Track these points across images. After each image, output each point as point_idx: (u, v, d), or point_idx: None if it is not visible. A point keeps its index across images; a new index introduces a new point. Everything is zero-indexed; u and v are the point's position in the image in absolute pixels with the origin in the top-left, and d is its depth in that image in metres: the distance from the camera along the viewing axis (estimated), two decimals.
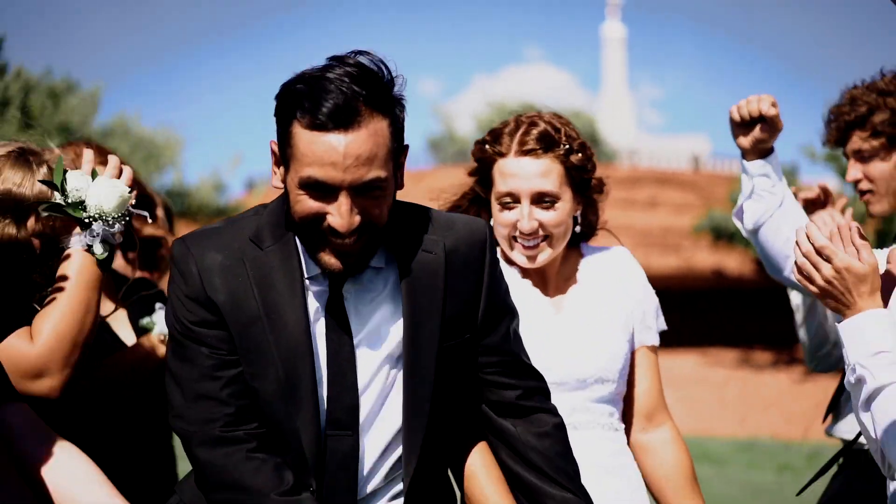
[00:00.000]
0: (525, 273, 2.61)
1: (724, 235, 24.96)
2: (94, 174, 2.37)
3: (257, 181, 32.77)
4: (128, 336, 3.00)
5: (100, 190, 2.34)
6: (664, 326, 2.69)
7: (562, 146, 2.49)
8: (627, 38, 62.94)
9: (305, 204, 1.94)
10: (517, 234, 2.51)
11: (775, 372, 24.79)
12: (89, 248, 2.32)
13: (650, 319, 2.64)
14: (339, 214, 1.91)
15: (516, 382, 2.13)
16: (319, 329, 2.04)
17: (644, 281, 2.67)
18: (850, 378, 2.16)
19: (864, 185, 3.06)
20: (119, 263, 3.13)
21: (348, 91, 1.89)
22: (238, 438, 1.99)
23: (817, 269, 2.18)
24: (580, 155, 2.52)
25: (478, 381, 2.13)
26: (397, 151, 1.99)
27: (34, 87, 16.90)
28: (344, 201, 1.91)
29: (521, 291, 2.55)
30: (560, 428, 2.16)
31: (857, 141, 3.04)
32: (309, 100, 1.90)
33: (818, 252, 2.17)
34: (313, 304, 2.04)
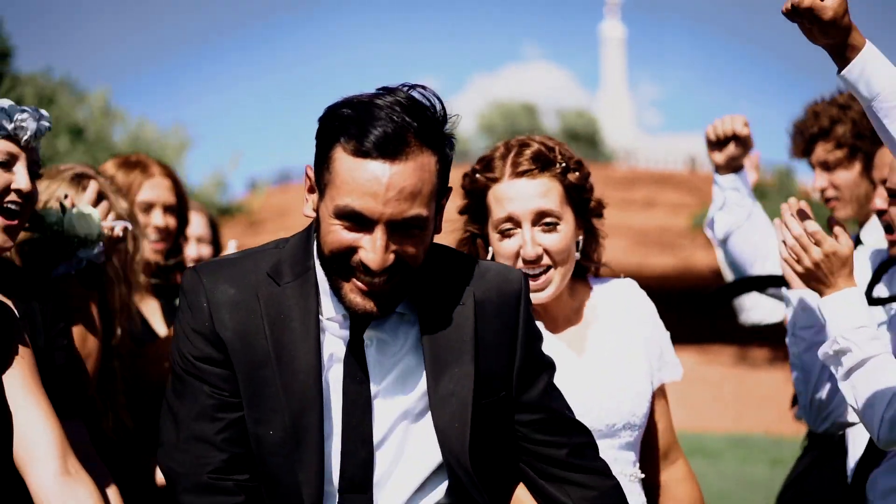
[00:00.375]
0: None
1: None
2: (63, 207, 2.47)
3: (258, 181, 32.87)
4: (160, 327, 3.22)
5: (74, 221, 2.46)
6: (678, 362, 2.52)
7: (558, 164, 2.35)
8: (627, 38, 62.87)
9: (338, 235, 1.81)
10: (521, 264, 2.34)
11: (771, 369, 24.97)
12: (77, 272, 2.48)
13: (668, 354, 2.48)
14: (373, 250, 1.78)
15: (563, 440, 1.97)
16: (335, 376, 1.89)
17: (655, 315, 2.50)
18: (828, 350, 2.36)
19: (830, 193, 3.28)
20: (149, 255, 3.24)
21: (399, 120, 1.78)
22: (227, 489, 1.84)
23: (806, 252, 2.36)
24: (577, 173, 2.38)
25: (521, 445, 1.98)
26: (441, 192, 1.86)
27: (48, 94, 17.05)
28: (380, 236, 1.78)
29: None
30: (617, 490, 2.01)
31: (822, 152, 3.25)
32: (356, 125, 1.79)
33: (810, 236, 2.36)
34: (330, 349, 1.90)
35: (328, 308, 1.90)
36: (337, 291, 1.85)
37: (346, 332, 1.90)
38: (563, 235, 2.34)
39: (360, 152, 1.78)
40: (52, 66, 18.95)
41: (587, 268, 2.50)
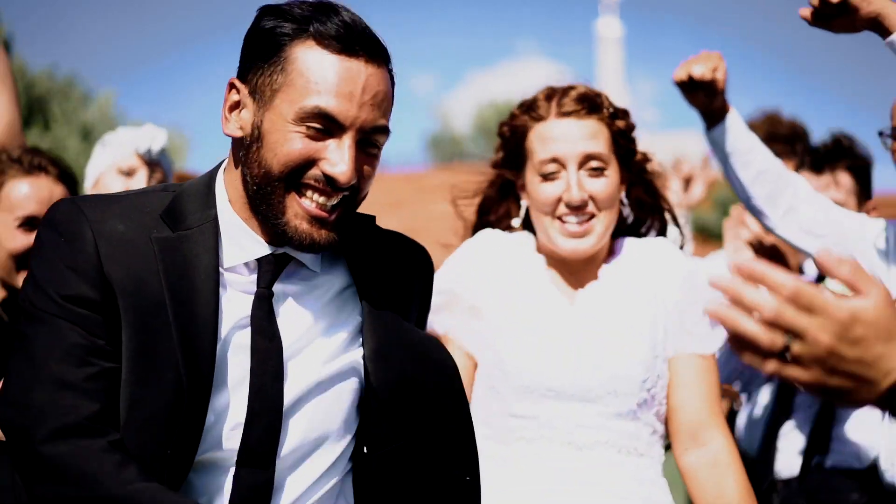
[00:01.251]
0: (550, 263, 2.29)
1: (713, 235, 25.14)
2: None
3: None
4: None
5: None
6: (720, 338, 2.22)
7: (605, 108, 2.23)
8: (625, 36, 63.00)
9: (297, 143, 1.58)
10: (563, 210, 2.19)
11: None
12: None
13: (691, 323, 2.21)
14: (342, 160, 1.58)
15: None
16: (240, 332, 1.64)
17: (688, 279, 2.24)
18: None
19: None
20: None
21: (362, 23, 1.62)
22: (101, 431, 1.54)
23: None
24: (625, 121, 2.25)
25: None
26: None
27: (53, 92, 17.28)
28: (350, 144, 1.58)
29: (537, 284, 2.26)
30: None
31: None
32: (321, 17, 1.59)
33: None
34: (234, 302, 1.65)
35: (231, 256, 1.66)
36: (275, 219, 1.61)
37: (253, 284, 1.66)
38: (610, 182, 2.21)
39: (336, 47, 1.58)
40: (57, 63, 19.09)
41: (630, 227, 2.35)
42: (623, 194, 2.28)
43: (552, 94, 2.24)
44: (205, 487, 1.62)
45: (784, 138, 3.47)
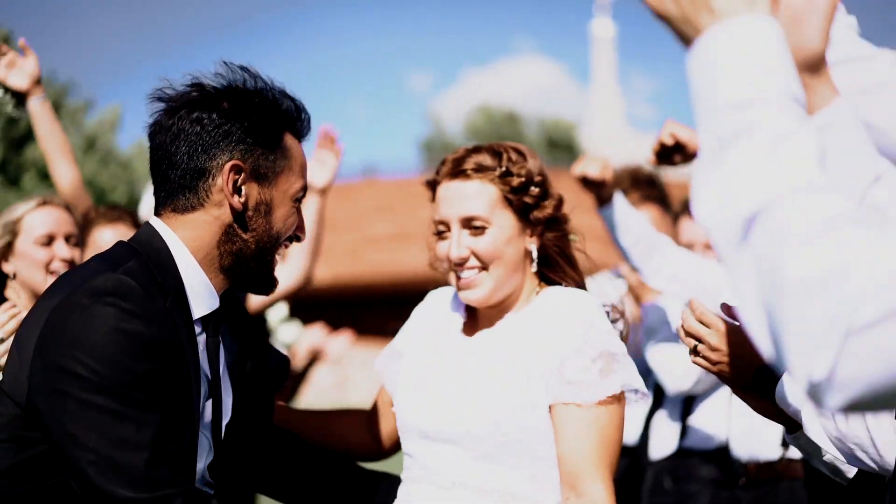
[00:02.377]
0: (469, 311, 2.40)
1: None
2: None
3: None
4: None
5: None
6: (609, 389, 2.17)
7: (498, 168, 2.28)
8: (618, 35, 63.10)
9: (294, 216, 2.05)
10: (454, 265, 2.29)
11: None
12: None
13: (572, 373, 2.17)
14: (304, 220, 2.16)
15: None
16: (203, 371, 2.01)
17: (583, 332, 2.20)
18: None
19: None
20: None
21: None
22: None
23: None
24: (521, 178, 2.28)
25: None
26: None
27: (54, 98, 17.48)
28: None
29: (449, 330, 2.39)
30: None
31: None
32: (297, 113, 2.05)
33: None
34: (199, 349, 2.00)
35: (198, 310, 1.99)
36: (263, 271, 2.05)
37: (203, 333, 2.02)
38: (491, 238, 2.27)
39: (303, 136, 2.09)
40: (54, 70, 19.24)
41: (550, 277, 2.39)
42: (533, 246, 2.33)
43: (455, 155, 2.35)
44: None
45: (644, 184, 4.42)
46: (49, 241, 3.13)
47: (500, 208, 2.28)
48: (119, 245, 2.01)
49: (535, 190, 2.30)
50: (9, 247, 3.12)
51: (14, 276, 3.10)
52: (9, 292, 3.11)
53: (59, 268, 3.09)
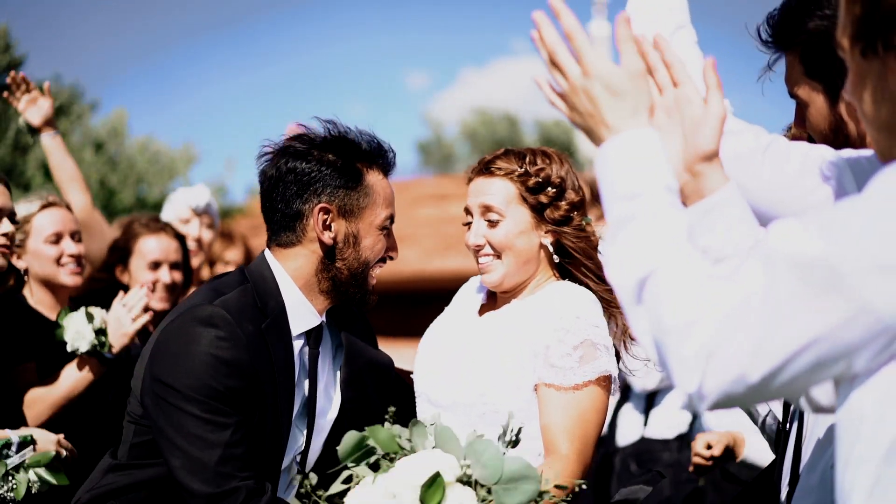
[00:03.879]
0: (488, 293, 2.72)
1: None
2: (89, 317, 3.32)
3: (255, 188, 33.43)
4: None
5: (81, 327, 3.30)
6: (587, 375, 2.41)
7: (519, 168, 2.55)
8: (612, 36, 62.80)
9: (382, 242, 2.43)
10: (473, 251, 2.60)
11: None
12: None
13: (555, 357, 2.42)
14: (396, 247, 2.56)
15: None
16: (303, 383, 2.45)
17: (572, 322, 2.44)
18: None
19: None
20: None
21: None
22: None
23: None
24: (538, 179, 2.54)
25: None
26: None
27: (63, 106, 17.72)
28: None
29: (467, 309, 2.70)
30: None
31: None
32: (377, 150, 2.43)
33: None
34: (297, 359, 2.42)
35: (296, 327, 2.39)
36: (361, 293, 2.44)
37: (304, 346, 2.43)
38: (503, 230, 2.54)
39: (387, 171, 2.45)
40: (59, 73, 19.61)
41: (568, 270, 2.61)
42: (547, 241, 2.57)
43: (486, 157, 2.66)
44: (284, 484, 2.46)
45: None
46: (57, 238, 3.54)
47: (515, 204, 2.55)
48: (235, 272, 2.47)
49: (551, 191, 2.55)
50: (20, 245, 3.51)
51: (26, 271, 3.48)
52: (26, 291, 3.52)
53: (68, 262, 3.55)
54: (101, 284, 4.00)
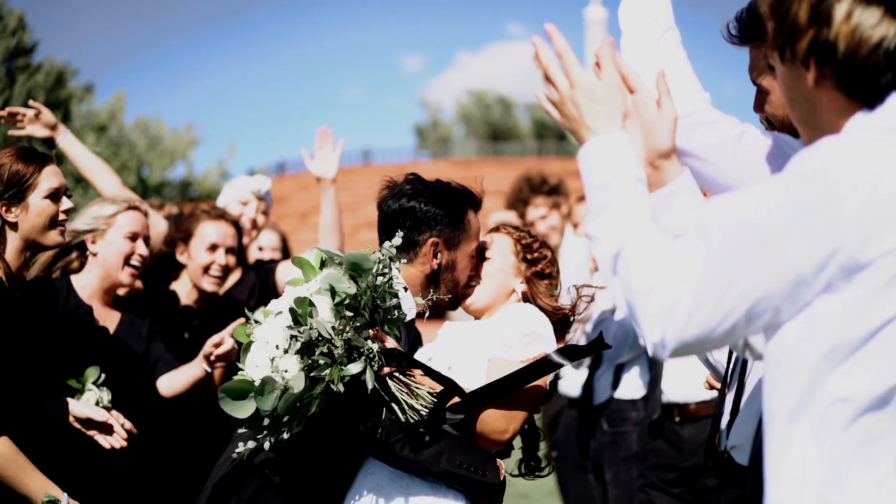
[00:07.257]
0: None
1: None
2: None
3: (257, 171, 33.59)
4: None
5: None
6: (530, 353, 2.87)
7: (518, 233, 3.13)
8: (610, 20, 62.72)
9: (471, 265, 3.03)
10: None
11: None
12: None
13: (506, 339, 2.90)
14: None
15: None
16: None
17: (521, 320, 2.95)
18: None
19: None
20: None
21: None
22: None
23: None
24: (527, 245, 3.09)
25: None
26: None
27: (63, 84, 17.82)
28: None
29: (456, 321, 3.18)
30: None
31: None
32: (472, 193, 3.03)
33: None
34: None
35: (409, 314, 2.91)
36: (451, 301, 3.04)
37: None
38: (493, 269, 3.07)
39: (478, 209, 3.06)
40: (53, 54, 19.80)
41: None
42: (522, 285, 3.07)
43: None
44: None
45: (539, 189, 5.51)
46: (133, 238, 3.90)
47: (510, 255, 3.10)
48: None
49: (536, 254, 3.10)
50: (101, 233, 3.88)
51: (96, 255, 3.84)
52: (84, 272, 3.87)
53: (137, 261, 3.89)
54: (156, 263, 4.45)
